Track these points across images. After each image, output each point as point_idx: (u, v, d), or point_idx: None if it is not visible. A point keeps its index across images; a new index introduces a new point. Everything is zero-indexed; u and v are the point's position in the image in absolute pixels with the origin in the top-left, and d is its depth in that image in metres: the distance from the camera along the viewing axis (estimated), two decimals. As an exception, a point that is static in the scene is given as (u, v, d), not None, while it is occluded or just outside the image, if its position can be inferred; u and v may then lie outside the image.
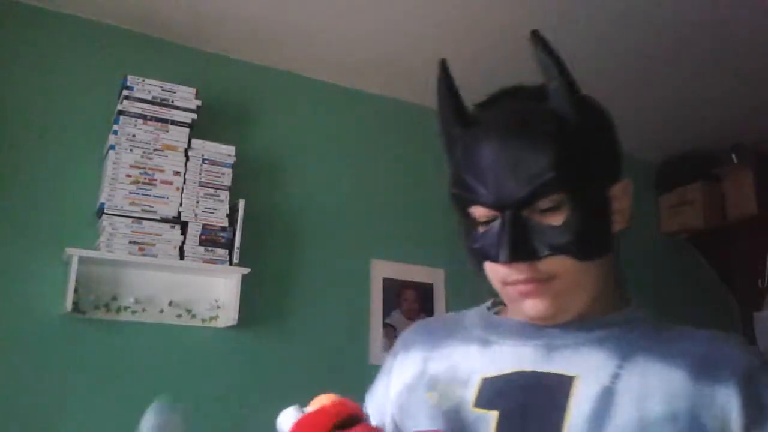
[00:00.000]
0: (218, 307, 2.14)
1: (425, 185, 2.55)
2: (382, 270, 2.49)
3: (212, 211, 2.07)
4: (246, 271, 2.08)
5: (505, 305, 0.81)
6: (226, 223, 2.09)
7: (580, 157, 0.69)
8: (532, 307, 0.70)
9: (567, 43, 2.32)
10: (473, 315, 0.83)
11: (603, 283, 0.73)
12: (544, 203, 0.68)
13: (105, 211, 1.92)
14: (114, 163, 1.96)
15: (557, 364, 0.70)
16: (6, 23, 2.05)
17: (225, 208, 2.10)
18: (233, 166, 2.14)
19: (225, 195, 2.11)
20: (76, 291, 1.87)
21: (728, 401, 0.64)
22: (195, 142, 2.09)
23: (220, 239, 2.07)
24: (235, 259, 2.08)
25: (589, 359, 0.69)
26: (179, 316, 2.08)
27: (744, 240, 3.18)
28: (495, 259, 0.69)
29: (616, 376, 0.67)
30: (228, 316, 2.10)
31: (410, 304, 2.50)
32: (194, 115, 2.09)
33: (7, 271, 1.90)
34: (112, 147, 1.97)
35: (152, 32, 2.24)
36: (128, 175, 1.97)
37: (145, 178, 1.99)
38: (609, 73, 2.50)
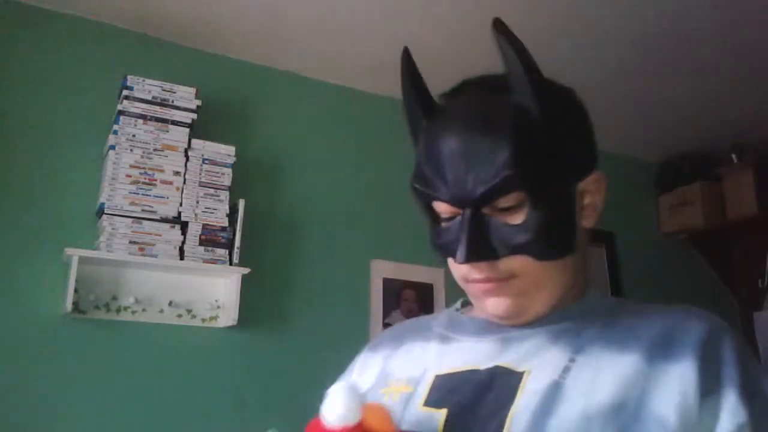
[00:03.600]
0: (218, 307, 2.14)
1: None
2: (382, 270, 2.49)
3: (212, 211, 2.07)
4: (246, 271, 2.08)
5: (469, 307, 0.81)
6: (226, 223, 2.09)
7: (541, 153, 0.66)
8: (494, 305, 0.69)
9: (568, 44, 2.34)
10: (442, 315, 0.83)
11: (569, 282, 0.71)
12: (504, 202, 0.66)
13: (105, 211, 1.92)
14: (114, 163, 1.96)
15: (510, 358, 0.68)
16: (6, 23, 2.05)
17: (225, 208, 2.10)
18: (233, 166, 2.13)
19: (225, 195, 2.11)
20: (76, 291, 1.87)
21: (683, 376, 0.61)
22: (195, 142, 2.09)
23: (220, 239, 2.07)
24: (235, 259, 2.08)
25: (541, 354, 0.67)
26: (179, 316, 2.08)
27: (744, 240, 3.18)
28: (456, 259, 0.67)
29: (566, 370, 0.65)
30: (228, 316, 2.10)
31: (410, 304, 2.50)
32: (194, 115, 2.09)
33: (7, 271, 1.90)
34: (112, 147, 1.97)
35: (152, 32, 2.24)
36: (128, 175, 1.97)
37: (145, 178, 1.99)
38: (609, 74, 2.50)
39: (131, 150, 1.99)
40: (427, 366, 0.73)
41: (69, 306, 1.84)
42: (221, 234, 2.07)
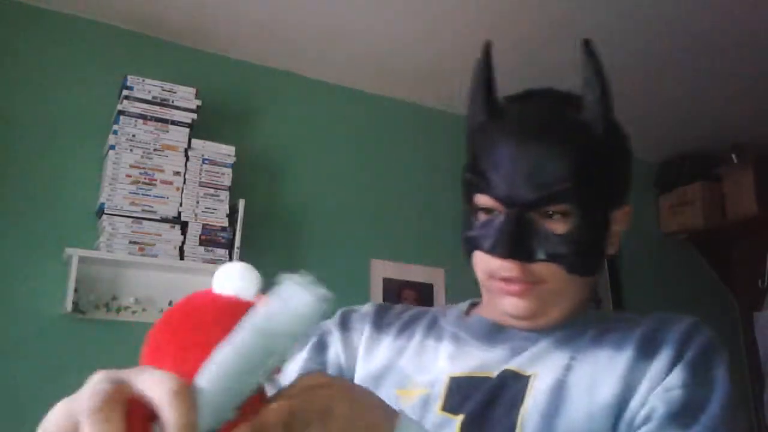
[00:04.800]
0: (218, 307, 2.14)
1: (425, 185, 2.55)
2: (382, 270, 2.49)
3: (212, 211, 2.07)
4: (246, 271, 2.08)
5: (477, 306, 0.83)
6: (226, 223, 2.09)
7: (598, 174, 0.70)
8: (513, 305, 0.71)
9: (568, 44, 2.33)
10: (451, 314, 0.83)
11: (583, 298, 0.74)
12: (552, 209, 0.68)
13: (105, 211, 1.92)
14: (114, 163, 1.96)
15: (518, 362, 0.71)
16: (6, 23, 2.05)
17: (225, 208, 2.10)
18: (233, 166, 2.13)
19: (225, 195, 2.11)
20: (76, 291, 1.87)
21: (659, 367, 0.65)
22: (195, 142, 2.09)
23: (220, 239, 2.07)
24: (235, 259, 2.08)
25: (546, 358, 0.71)
26: (179, 316, 2.08)
27: (744, 240, 3.18)
28: (491, 252, 0.69)
29: (568, 368, 0.68)
30: (228, 316, 2.10)
31: (410, 304, 2.50)
32: (194, 115, 2.09)
33: (7, 271, 1.90)
34: (112, 147, 1.97)
35: (152, 32, 2.24)
36: (128, 175, 1.97)
37: (145, 178, 1.99)
38: (609, 74, 2.50)
39: (131, 150, 1.99)
40: (441, 367, 0.75)
41: (69, 306, 1.84)
42: (221, 234, 2.07)
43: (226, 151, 2.13)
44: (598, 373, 0.67)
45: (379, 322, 0.83)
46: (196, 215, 2.04)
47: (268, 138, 2.39)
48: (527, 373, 0.69)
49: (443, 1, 2.07)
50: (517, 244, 0.67)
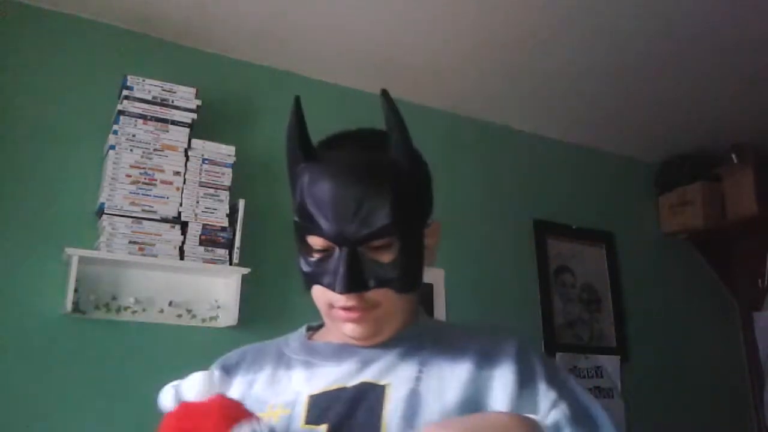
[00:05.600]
0: (218, 307, 2.14)
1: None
2: (382, 270, 2.48)
3: (212, 211, 2.07)
4: (246, 271, 2.08)
5: (317, 330, 0.94)
6: (226, 223, 2.09)
7: (410, 205, 0.81)
8: (353, 329, 0.81)
9: (568, 44, 2.34)
10: (293, 343, 0.92)
11: (413, 310, 0.87)
12: (377, 242, 0.78)
13: (105, 211, 1.92)
14: (114, 163, 1.96)
15: (371, 374, 0.81)
16: (6, 23, 2.05)
17: (225, 208, 2.10)
18: (233, 166, 2.13)
19: (225, 195, 2.11)
20: (76, 291, 1.87)
21: (506, 377, 0.79)
22: (195, 142, 2.09)
23: (220, 239, 2.07)
24: (235, 259, 2.08)
25: (396, 369, 0.81)
26: (179, 316, 2.08)
27: (744, 240, 3.18)
28: (332, 288, 0.78)
29: (418, 379, 0.79)
30: (228, 316, 2.11)
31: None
32: (194, 115, 2.09)
33: (7, 271, 1.90)
34: (112, 147, 1.97)
35: (152, 32, 2.24)
36: (128, 175, 1.97)
37: (145, 178, 1.99)
38: (609, 74, 2.50)
39: (131, 150, 1.99)
40: (298, 390, 0.82)
41: (69, 306, 1.84)
42: (221, 234, 2.07)
43: (226, 151, 2.13)
44: (444, 381, 0.79)
45: (226, 366, 0.91)
46: (196, 215, 2.04)
47: (268, 138, 2.39)
48: (382, 383, 0.79)
49: (443, 1, 2.07)
50: (353, 278, 0.77)
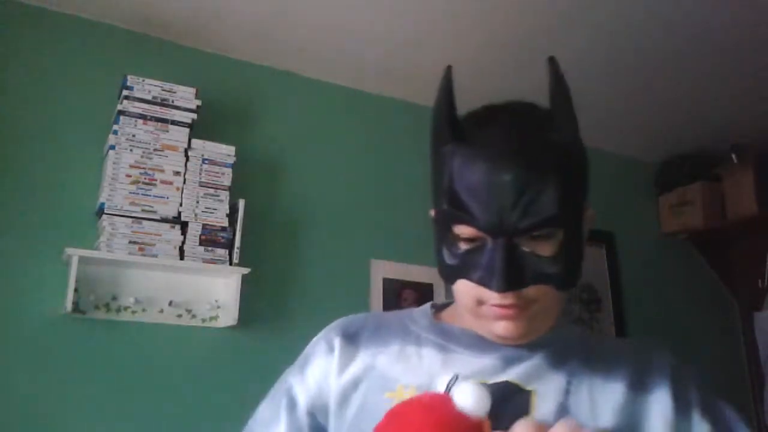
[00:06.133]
0: (218, 307, 2.14)
1: (425, 185, 2.54)
2: (382, 270, 2.49)
3: (212, 211, 2.07)
4: (246, 271, 2.08)
5: (441, 309, 0.85)
6: (226, 223, 2.09)
7: (575, 191, 0.72)
8: (506, 328, 0.72)
9: (569, 44, 2.34)
10: (421, 320, 0.84)
11: (562, 308, 0.78)
12: (538, 232, 0.69)
13: (105, 211, 1.92)
14: (114, 163, 1.96)
15: (515, 375, 0.74)
16: (6, 23, 2.05)
17: (225, 208, 2.10)
18: (233, 166, 2.13)
19: (225, 195, 2.11)
20: (76, 291, 1.87)
21: (663, 403, 0.73)
22: (195, 142, 2.09)
23: (220, 239, 2.07)
24: (235, 259, 2.08)
25: (542, 377, 0.75)
26: (179, 316, 2.08)
27: (744, 240, 3.18)
28: (486, 285, 0.69)
29: (567, 393, 0.73)
30: (228, 316, 2.10)
31: (410, 304, 2.50)
32: (194, 115, 2.09)
33: (7, 271, 1.90)
34: (112, 147, 1.97)
35: (152, 32, 2.24)
36: (128, 175, 1.97)
37: (145, 178, 1.99)
38: (609, 74, 2.50)
39: (131, 150, 1.99)
40: (432, 374, 0.75)
41: (69, 306, 1.84)
42: (221, 234, 2.07)
43: (226, 151, 2.13)
44: (596, 402, 0.73)
45: (351, 334, 0.83)
46: (196, 215, 2.04)
47: (268, 138, 2.39)
48: (527, 388, 0.73)
49: (444, 1, 2.07)
50: (511, 275, 0.68)
